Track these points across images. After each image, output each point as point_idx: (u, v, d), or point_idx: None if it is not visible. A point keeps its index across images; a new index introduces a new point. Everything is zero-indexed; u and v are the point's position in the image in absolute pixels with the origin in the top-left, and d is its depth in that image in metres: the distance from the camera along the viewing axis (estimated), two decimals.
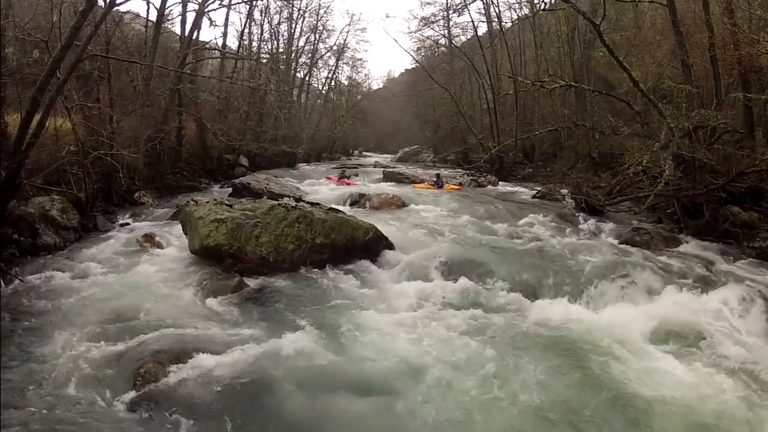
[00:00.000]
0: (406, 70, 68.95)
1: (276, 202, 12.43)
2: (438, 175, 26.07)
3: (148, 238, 13.28)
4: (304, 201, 14.28)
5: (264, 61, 39.10)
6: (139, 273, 10.93)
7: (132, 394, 6.43)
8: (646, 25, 26.56)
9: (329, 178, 27.42)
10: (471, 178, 29.15)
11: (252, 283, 10.30)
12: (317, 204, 13.47)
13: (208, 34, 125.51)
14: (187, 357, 7.04)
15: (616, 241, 14.77)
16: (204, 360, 6.99)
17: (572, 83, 22.74)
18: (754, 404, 6.59)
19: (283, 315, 8.93)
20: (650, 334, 8.61)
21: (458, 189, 22.90)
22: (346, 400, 6.42)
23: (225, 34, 57.90)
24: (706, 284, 10.81)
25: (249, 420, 5.97)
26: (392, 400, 6.43)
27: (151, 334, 7.86)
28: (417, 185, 25.13)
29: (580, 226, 16.73)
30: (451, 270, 11.16)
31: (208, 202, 12.19)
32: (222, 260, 10.98)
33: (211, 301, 9.42)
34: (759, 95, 17.72)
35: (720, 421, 6.23)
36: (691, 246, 14.30)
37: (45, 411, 5.98)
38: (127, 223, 16.18)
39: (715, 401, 6.66)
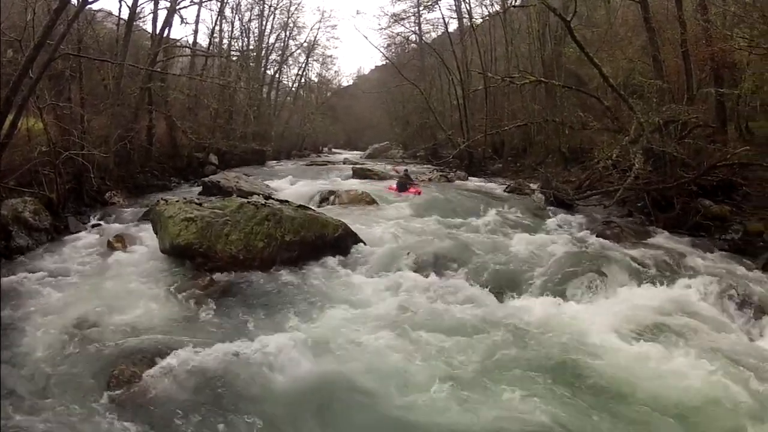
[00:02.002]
0: (376, 66, 69.33)
1: (245, 200, 12.37)
2: (406, 171, 25.58)
3: (119, 238, 13.14)
4: (273, 198, 14.01)
5: (234, 58, 38.75)
6: (110, 274, 10.85)
7: (107, 396, 6.37)
8: (617, 22, 26.75)
9: (391, 189, 22.48)
10: (440, 173, 28.94)
11: (222, 281, 10.22)
12: (286, 201, 13.35)
13: (179, 31, 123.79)
14: (159, 358, 7.00)
15: (586, 235, 14.71)
16: (176, 360, 6.92)
17: (542, 79, 22.77)
18: (728, 392, 6.63)
19: (253, 313, 8.88)
20: (621, 327, 8.56)
21: (418, 193, 21.58)
22: (317, 397, 6.45)
23: (196, 32, 57.02)
24: (677, 276, 10.84)
25: (220, 419, 5.95)
26: (362, 395, 6.44)
27: (124, 335, 7.83)
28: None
29: (550, 221, 16.65)
30: (420, 265, 11.12)
31: (177, 201, 12.09)
32: (193, 259, 10.91)
33: (182, 301, 9.33)
34: (732, 90, 18.35)
35: (694, 409, 6.32)
36: (662, 239, 14.32)
37: (18, 417, 5.93)
38: (99, 224, 15.97)
39: (688, 390, 6.68)
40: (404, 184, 19.34)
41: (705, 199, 15.54)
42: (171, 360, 6.92)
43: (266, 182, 24.01)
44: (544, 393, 6.58)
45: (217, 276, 10.37)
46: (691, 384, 6.82)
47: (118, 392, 6.39)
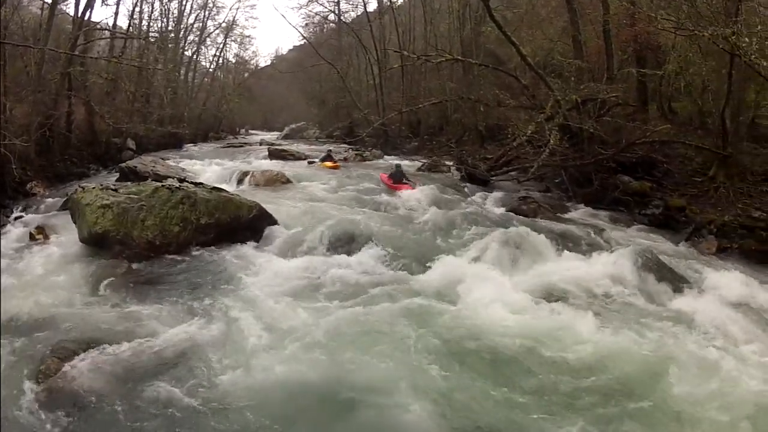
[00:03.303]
0: (294, 46, 68.32)
1: (160, 184, 11.94)
2: (330, 152, 25.38)
3: (40, 230, 12.34)
4: (187, 181, 13.47)
5: (152, 40, 37.26)
6: (31, 267, 10.20)
7: (35, 392, 6.08)
8: (539, 3, 26.61)
9: (384, 179, 19.52)
10: (356, 152, 28.55)
11: (140, 269, 9.91)
12: (201, 184, 13.07)
13: (100, 14, 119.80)
14: (82, 351, 6.74)
15: (502, 210, 14.58)
16: (98, 352, 6.72)
17: (459, 57, 22.64)
18: (647, 359, 6.76)
19: (171, 300, 8.56)
20: (539, 300, 8.52)
21: (335, 167, 21.98)
22: (228, 380, 6.28)
23: (116, 14, 55.36)
24: (595, 249, 10.93)
25: (145, 406, 5.81)
26: (274, 376, 6.35)
27: (48, 329, 7.46)
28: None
29: (466, 197, 16.49)
30: (335, 244, 10.93)
31: (94, 188, 11.60)
32: (111, 247, 10.45)
33: (102, 291, 8.92)
34: (654, 71, 18.65)
35: (613, 377, 6.36)
36: (580, 214, 14.41)
37: None
38: (21, 216, 14.98)
39: (607, 359, 6.73)
40: (400, 177, 17.68)
41: (624, 175, 15.73)
42: (94, 352, 6.70)
43: (183, 165, 23.16)
44: (452, 365, 6.58)
45: (135, 263, 10.05)
46: (610, 353, 6.86)
47: (45, 387, 6.12)
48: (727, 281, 9.38)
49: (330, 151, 26.02)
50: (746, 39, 11.11)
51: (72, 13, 26.30)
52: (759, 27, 11.67)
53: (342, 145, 34.27)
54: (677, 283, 9.30)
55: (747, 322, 7.99)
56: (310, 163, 24.18)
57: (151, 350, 6.79)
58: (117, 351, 6.71)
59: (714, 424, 5.57)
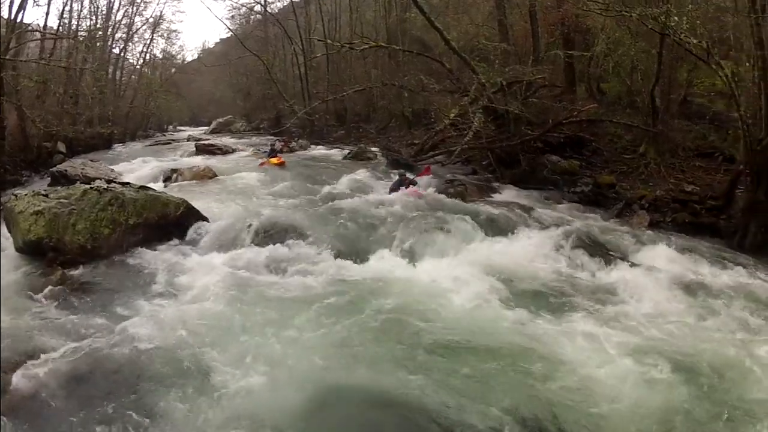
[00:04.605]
0: (220, 39, 67.68)
1: (88, 186, 11.56)
2: (272, 146, 24.56)
3: None
4: (115, 182, 13.39)
5: (81, 39, 35.95)
6: None
7: None
8: None
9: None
10: (282, 144, 27.76)
11: (74, 274, 9.55)
12: (128, 183, 12.87)
13: (31, 14, 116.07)
14: (24, 362, 6.50)
15: (429, 194, 14.26)
16: (40, 362, 6.46)
17: (382, 44, 22.81)
18: (571, 336, 6.79)
19: (104, 304, 8.33)
20: (469, 281, 8.41)
21: (281, 163, 20.69)
22: (173, 374, 6.22)
23: (47, 14, 53.32)
24: (523, 228, 10.96)
25: (91, 412, 5.64)
26: (206, 369, 6.26)
27: None
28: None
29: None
30: (263, 236, 10.77)
31: (27, 195, 11.26)
32: (45, 254, 10.17)
33: (37, 300, 8.55)
34: (581, 53, 18.79)
35: (546, 356, 6.31)
36: (509, 194, 14.40)
37: None
38: None
39: (541, 337, 6.75)
40: (408, 181, 15.47)
41: (553, 155, 15.83)
42: (35, 363, 6.43)
43: (112, 166, 22.37)
44: (384, 351, 6.55)
45: (69, 269, 9.70)
46: (544, 331, 6.90)
47: None
48: (658, 253, 9.62)
49: (273, 145, 25.08)
50: (676, 18, 11.18)
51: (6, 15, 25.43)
52: (689, 6, 12.06)
53: (269, 137, 33.76)
54: (608, 257, 9.40)
55: (676, 292, 8.14)
56: (261, 164, 21.92)
57: (91, 356, 6.58)
58: (56, 361, 6.48)
59: (637, 397, 5.60)
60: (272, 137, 32.41)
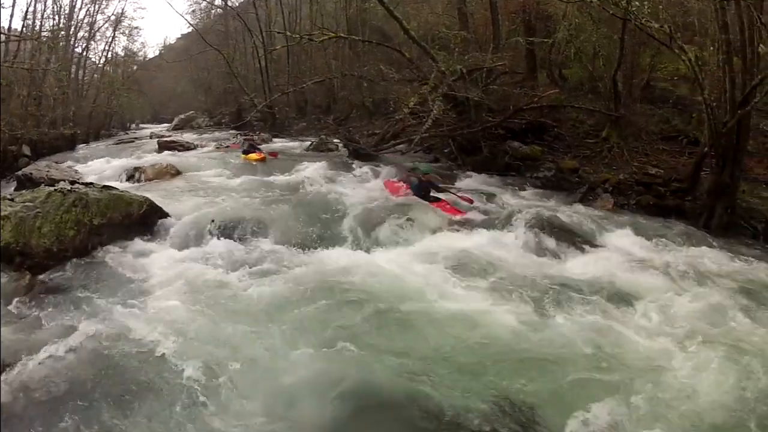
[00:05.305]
0: (182, 35, 67.00)
1: (53, 188, 11.44)
2: (251, 141, 22.73)
3: None
4: (79, 183, 13.09)
5: (45, 39, 35.40)
6: None
7: None
8: None
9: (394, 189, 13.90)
10: (244, 137, 27.23)
11: (41, 278, 9.32)
12: (92, 184, 12.48)
13: None
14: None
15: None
16: (13, 372, 6.34)
17: (342, 35, 22.63)
18: (531, 319, 6.85)
19: (73, 307, 8.08)
20: (432, 270, 8.42)
21: (261, 159, 19.16)
22: (138, 378, 6.12)
23: (12, 15, 52.00)
24: (485, 214, 11.08)
25: (71, 419, 5.50)
26: (171, 370, 6.19)
27: None
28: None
29: (355, 174, 16.21)
30: (226, 231, 10.70)
31: None
32: (14, 259, 9.94)
33: (9, 308, 8.33)
34: (542, 39, 18.62)
35: (505, 337, 6.40)
36: (470, 181, 14.40)
37: None
38: None
39: (503, 320, 6.77)
40: (426, 184, 12.27)
41: (515, 141, 15.73)
42: (12, 372, 6.33)
43: (76, 167, 21.99)
44: (350, 338, 6.49)
45: (36, 273, 9.46)
46: (505, 313, 6.92)
47: None
48: (623, 235, 9.72)
49: (250, 139, 23.44)
50: (637, 2, 11.10)
51: None
52: None
53: (231, 131, 33.82)
54: (572, 239, 9.45)
55: (641, 273, 8.20)
56: (245, 160, 20.09)
57: (58, 361, 6.47)
58: (31, 368, 6.38)
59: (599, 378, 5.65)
60: (235, 131, 32.29)
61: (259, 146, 20.95)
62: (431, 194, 11.80)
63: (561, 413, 5.23)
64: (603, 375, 5.70)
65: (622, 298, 7.31)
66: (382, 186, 13.83)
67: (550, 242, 9.30)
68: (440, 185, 12.35)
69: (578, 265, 8.58)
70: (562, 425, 5.09)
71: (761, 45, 10.55)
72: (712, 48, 13.20)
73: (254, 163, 18.77)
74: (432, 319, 6.90)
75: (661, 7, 12.38)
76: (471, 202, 11.69)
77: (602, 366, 5.83)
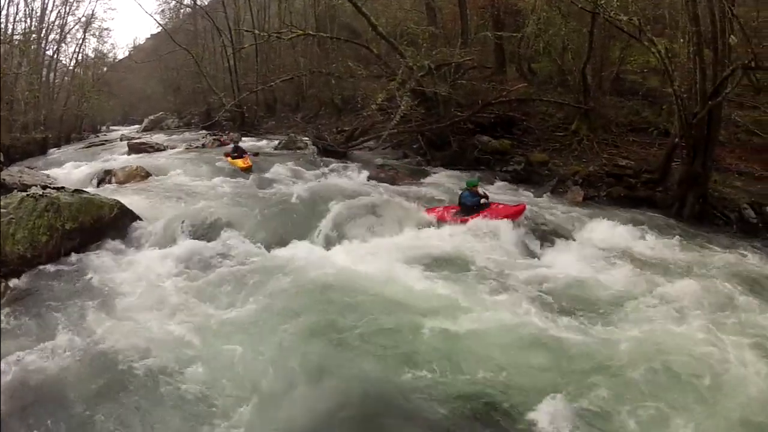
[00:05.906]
0: (151, 35, 66.62)
1: (25, 194, 11.25)
2: (235, 142, 21.36)
3: None
4: (51, 187, 13.11)
5: (16, 43, 34.92)
6: None
7: None
8: None
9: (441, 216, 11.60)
10: (214, 137, 27.20)
11: (17, 284, 9.33)
12: (63, 188, 12.46)
13: None
14: None
15: (361, 180, 14.47)
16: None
17: (310, 32, 22.56)
18: (496, 310, 6.85)
19: (48, 313, 8.12)
20: (404, 264, 8.46)
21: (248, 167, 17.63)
22: (114, 380, 6.17)
23: None
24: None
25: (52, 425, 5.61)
26: (143, 371, 6.23)
27: None
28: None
29: (324, 171, 16.17)
30: (197, 231, 10.72)
31: None
32: None
33: None
34: (510, 33, 18.74)
35: (478, 325, 6.46)
36: (441, 176, 14.32)
37: None
38: None
39: (473, 309, 6.83)
40: (472, 204, 10.63)
41: (484, 135, 15.73)
42: None
43: (48, 171, 21.66)
44: (320, 329, 6.68)
45: (10, 279, 9.44)
46: (476, 302, 6.99)
47: None
48: (594, 226, 9.82)
49: (234, 141, 20.46)
50: None
51: None
52: None
53: (201, 132, 33.36)
54: (541, 231, 9.55)
55: (613, 263, 8.29)
56: (235, 164, 17.93)
57: (35, 368, 6.47)
58: (11, 375, 6.40)
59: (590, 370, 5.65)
60: (204, 131, 31.97)
61: (245, 152, 19.41)
62: (481, 202, 10.56)
63: (523, 401, 5.28)
64: (568, 365, 5.73)
65: (593, 290, 7.32)
66: (427, 216, 11.04)
67: (519, 234, 9.32)
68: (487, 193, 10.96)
69: (545, 255, 8.75)
70: (524, 411, 5.15)
71: (732, 36, 10.63)
72: (682, 40, 13.35)
73: (240, 170, 17.11)
74: (405, 312, 6.89)
75: (630, 0, 12.38)
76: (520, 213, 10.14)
77: (569, 356, 5.86)
